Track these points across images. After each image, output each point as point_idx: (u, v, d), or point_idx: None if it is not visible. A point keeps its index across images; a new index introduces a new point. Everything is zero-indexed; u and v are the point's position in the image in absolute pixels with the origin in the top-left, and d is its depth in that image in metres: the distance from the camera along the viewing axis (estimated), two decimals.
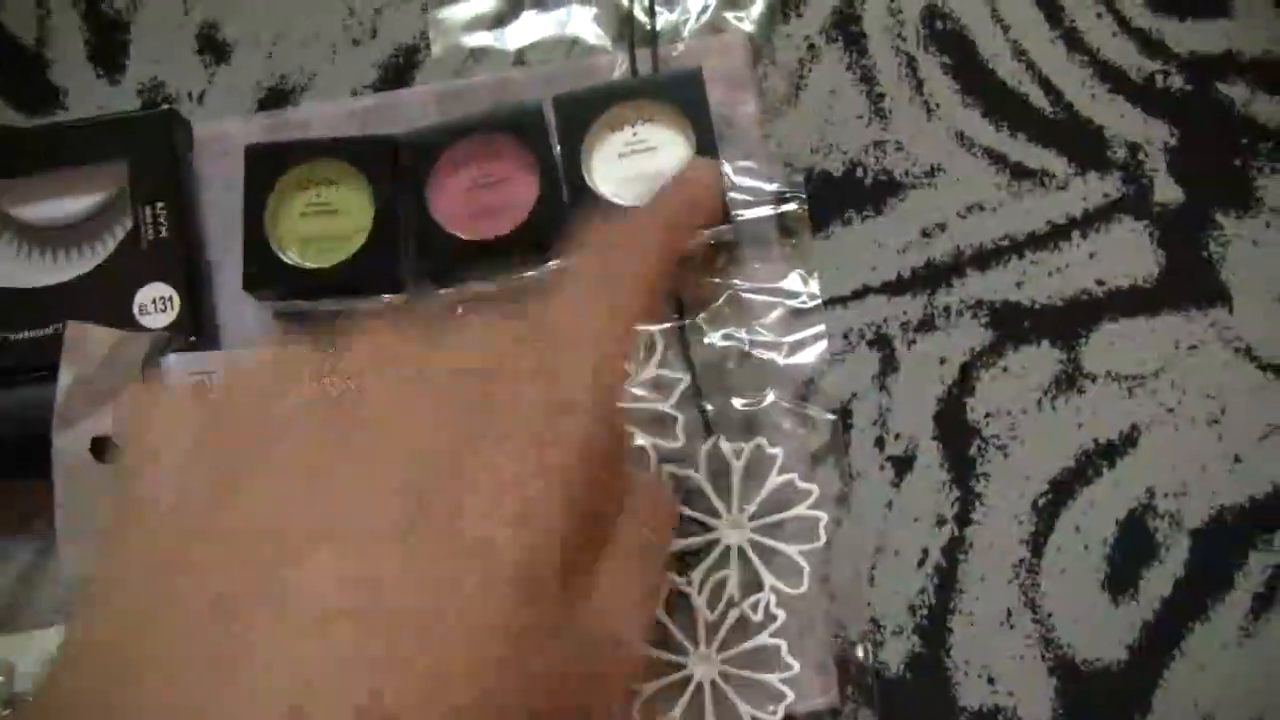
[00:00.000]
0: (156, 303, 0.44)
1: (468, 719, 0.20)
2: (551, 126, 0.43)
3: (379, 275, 0.43)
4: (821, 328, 0.43)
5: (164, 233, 0.44)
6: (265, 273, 0.43)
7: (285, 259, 0.43)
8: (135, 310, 0.44)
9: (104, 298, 0.44)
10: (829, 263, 0.44)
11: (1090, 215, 0.44)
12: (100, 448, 0.41)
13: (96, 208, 0.46)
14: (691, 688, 0.41)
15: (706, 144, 0.42)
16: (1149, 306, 0.44)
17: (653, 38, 0.46)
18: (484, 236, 0.43)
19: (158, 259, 0.44)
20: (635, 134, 0.43)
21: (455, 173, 0.44)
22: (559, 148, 0.43)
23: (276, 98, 0.48)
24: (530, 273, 0.43)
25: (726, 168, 0.44)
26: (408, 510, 0.21)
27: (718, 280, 0.43)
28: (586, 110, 0.43)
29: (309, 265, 0.43)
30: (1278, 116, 0.45)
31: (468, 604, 0.21)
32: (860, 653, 0.41)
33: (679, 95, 0.43)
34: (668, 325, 0.43)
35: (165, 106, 0.47)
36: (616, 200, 0.42)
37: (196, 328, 0.44)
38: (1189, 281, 0.44)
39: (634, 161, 0.43)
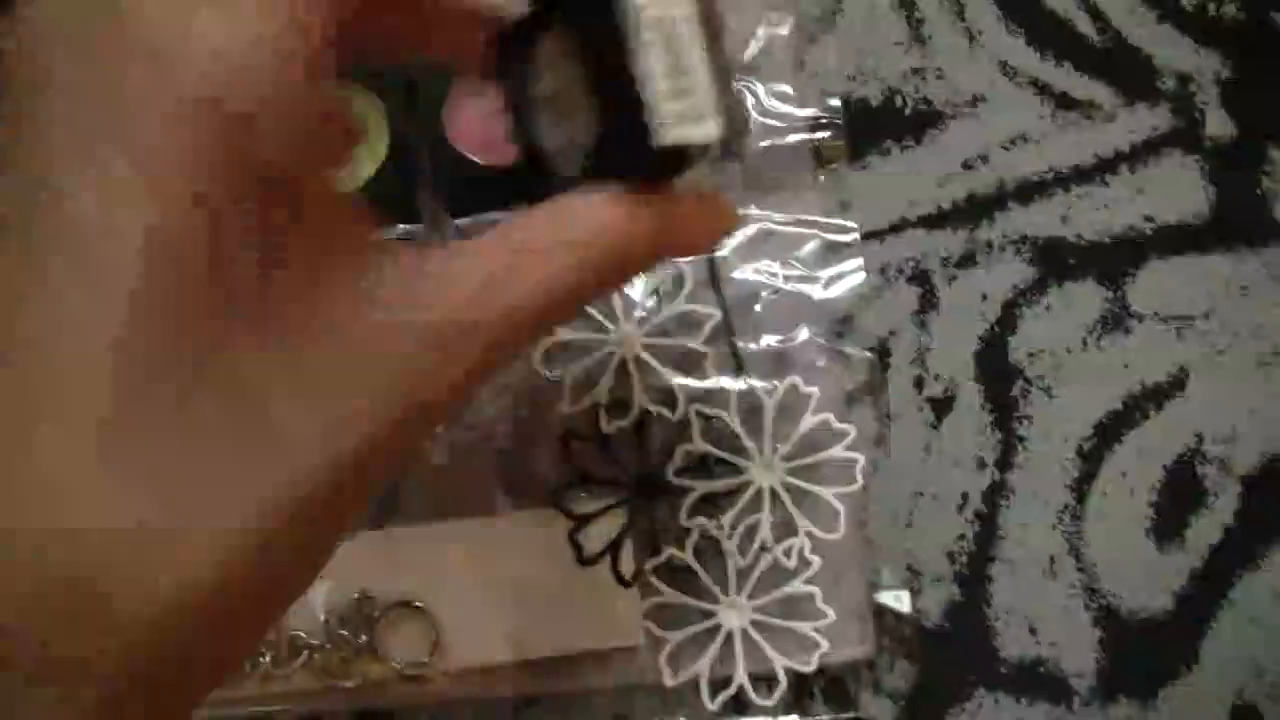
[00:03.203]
0: None
1: None
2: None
3: (394, 204, 0.41)
4: (858, 262, 0.41)
5: None
6: None
7: None
8: None
9: None
10: (866, 194, 0.42)
11: (1138, 148, 0.43)
12: None
13: None
14: (721, 636, 0.39)
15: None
16: (1198, 244, 0.42)
17: None
18: (504, 163, 0.40)
19: None
20: None
21: (475, 95, 0.41)
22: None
23: None
24: None
25: (759, 89, 0.42)
26: None
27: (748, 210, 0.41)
28: None
29: None
30: None
31: None
32: (898, 601, 0.40)
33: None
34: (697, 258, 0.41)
35: None
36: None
37: None
38: (1240, 219, 0.42)
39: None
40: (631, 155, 0.23)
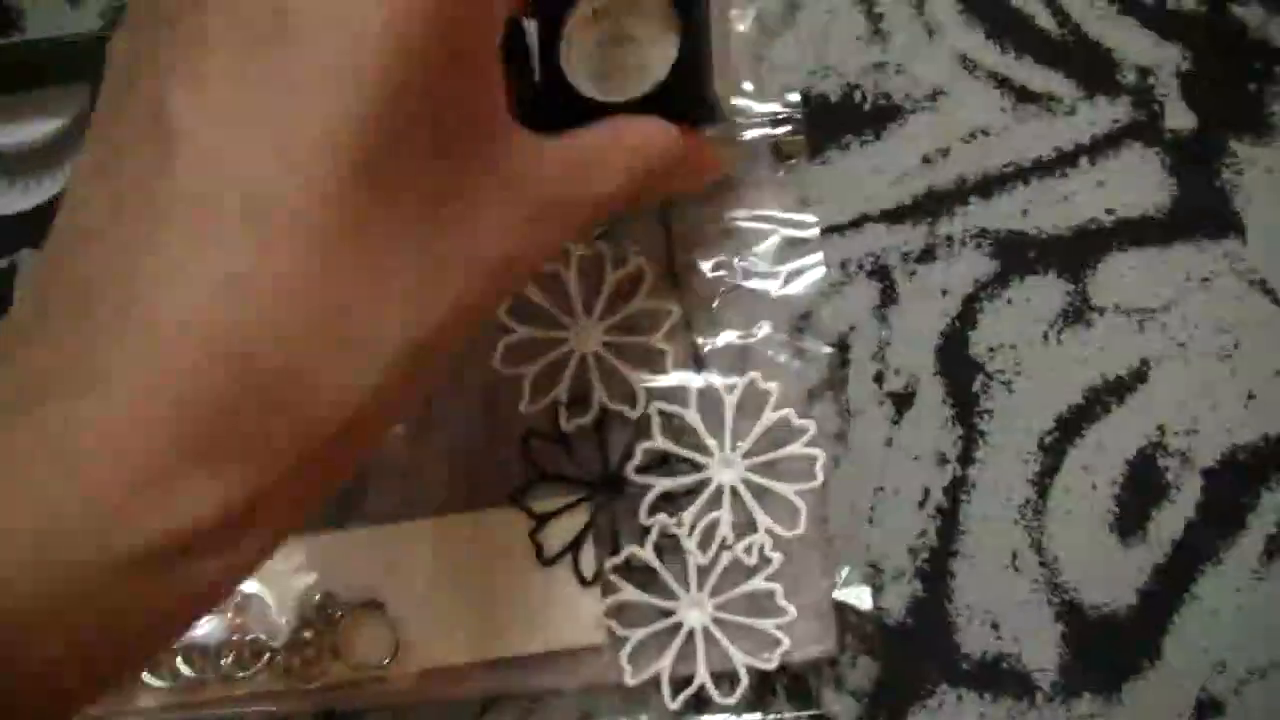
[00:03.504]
0: None
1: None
2: None
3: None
4: (818, 257, 0.41)
5: None
6: None
7: None
8: None
9: None
10: (826, 189, 0.42)
11: (1099, 141, 0.42)
12: None
13: (58, 133, 0.43)
14: (682, 635, 0.39)
15: (696, 40, 0.34)
16: (1160, 237, 0.42)
17: None
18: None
19: None
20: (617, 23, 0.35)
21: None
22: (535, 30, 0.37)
23: None
24: None
25: None
26: None
27: (706, 206, 0.41)
28: None
29: None
30: None
31: None
32: (859, 598, 0.39)
33: None
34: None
35: None
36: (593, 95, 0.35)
37: None
38: (1201, 211, 0.42)
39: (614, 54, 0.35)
40: (690, 92, 0.32)
